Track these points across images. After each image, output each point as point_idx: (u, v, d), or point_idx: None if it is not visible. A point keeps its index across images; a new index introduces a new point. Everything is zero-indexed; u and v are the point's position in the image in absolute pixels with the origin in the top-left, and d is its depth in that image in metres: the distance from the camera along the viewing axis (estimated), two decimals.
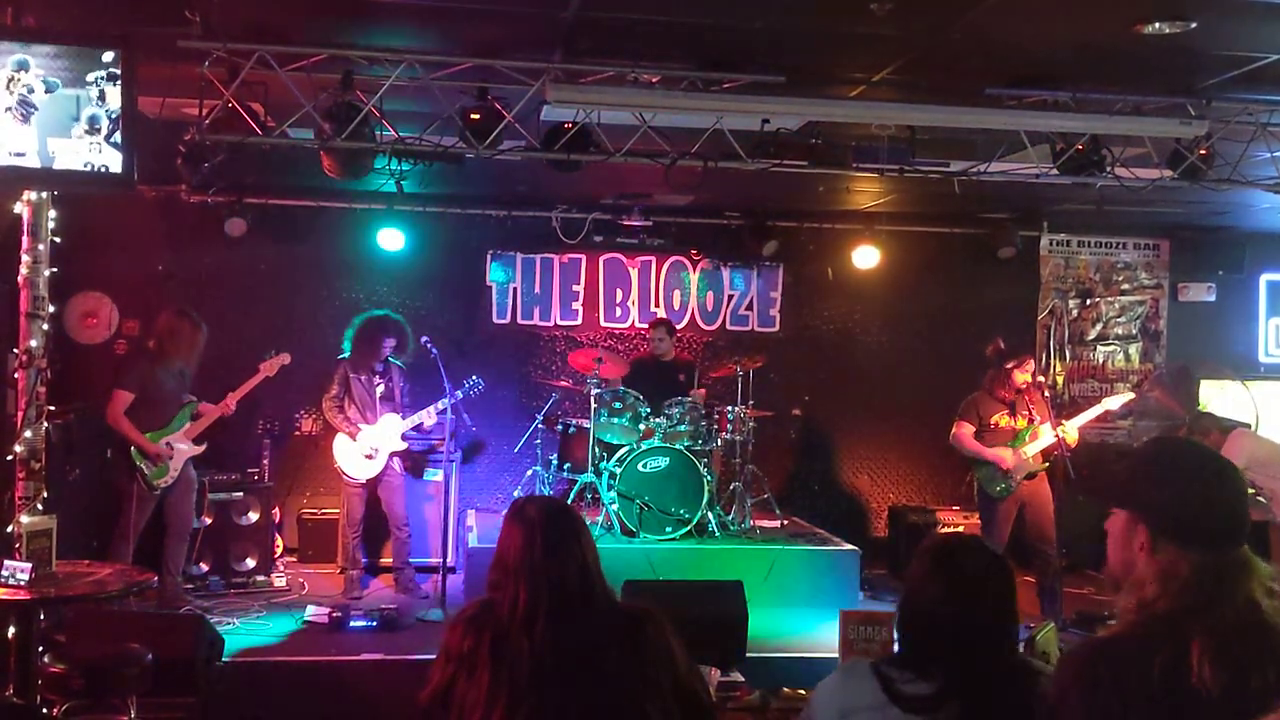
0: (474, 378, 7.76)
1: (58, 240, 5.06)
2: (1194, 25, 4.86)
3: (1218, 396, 8.98)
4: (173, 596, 6.88)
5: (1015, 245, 9.38)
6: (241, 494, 7.83)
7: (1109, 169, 6.53)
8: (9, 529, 4.78)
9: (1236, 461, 6.98)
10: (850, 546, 7.91)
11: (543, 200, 8.98)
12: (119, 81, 4.63)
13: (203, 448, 7.14)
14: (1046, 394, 7.67)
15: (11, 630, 4.44)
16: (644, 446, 7.70)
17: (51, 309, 5.06)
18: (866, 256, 9.36)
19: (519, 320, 9.36)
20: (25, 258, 4.94)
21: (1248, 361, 9.85)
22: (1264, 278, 10.09)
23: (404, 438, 7.62)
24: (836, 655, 3.94)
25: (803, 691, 4.05)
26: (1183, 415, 8.46)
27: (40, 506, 4.89)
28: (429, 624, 6.74)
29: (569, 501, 6.99)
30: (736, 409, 8.15)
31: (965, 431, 7.36)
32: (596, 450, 7.89)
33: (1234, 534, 2.00)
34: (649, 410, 7.88)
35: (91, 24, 4.90)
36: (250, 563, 7.73)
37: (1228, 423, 7.36)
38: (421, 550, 7.92)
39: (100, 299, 8.44)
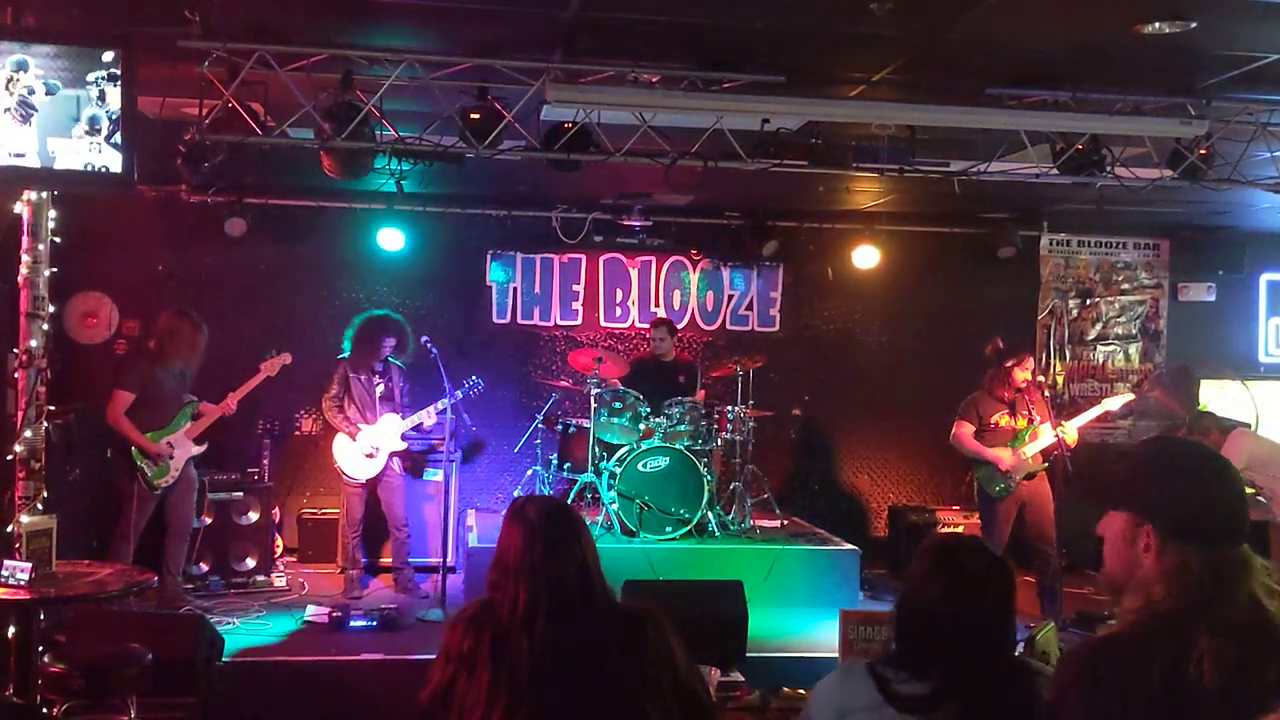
0: (474, 378, 7.77)
1: (58, 240, 5.07)
2: (1194, 25, 4.86)
3: (1218, 396, 8.98)
4: (173, 596, 6.88)
5: (1015, 245, 9.38)
6: (241, 494, 7.83)
7: (1109, 169, 6.53)
8: (9, 529, 4.78)
9: (1237, 461, 6.98)
10: (850, 546, 7.91)
11: (543, 200, 8.98)
12: (119, 81, 4.63)
13: (204, 447, 7.15)
14: (1046, 394, 7.67)
15: (11, 630, 4.44)
16: (644, 446, 7.70)
17: (51, 309, 5.06)
18: (866, 256, 9.36)
19: (519, 320, 9.36)
20: (25, 258, 4.94)
21: (1248, 361, 9.85)
22: (1264, 277, 10.09)
23: (404, 438, 7.62)
24: (837, 655, 3.94)
25: (803, 691, 4.05)
26: (1183, 415, 8.46)
27: (40, 506, 4.90)
28: (429, 624, 6.74)
29: (569, 501, 6.99)
30: (736, 409, 8.15)
31: (965, 431, 7.36)
32: (596, 450, 7.89)
33: (1239, 531, 2.01)
34: (649, 410, 7.88)
35: (91, 24, 4.90)
36: (250, 563, 7.73)
37: (1228, 423, 7.37)
38: (421, 550, 7.92)
39: (100, 299, 8.45)
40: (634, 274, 9.53)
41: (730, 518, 8.19)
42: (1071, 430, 7.20)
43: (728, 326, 9.66)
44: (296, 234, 8.79)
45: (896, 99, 6.04)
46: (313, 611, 6.88)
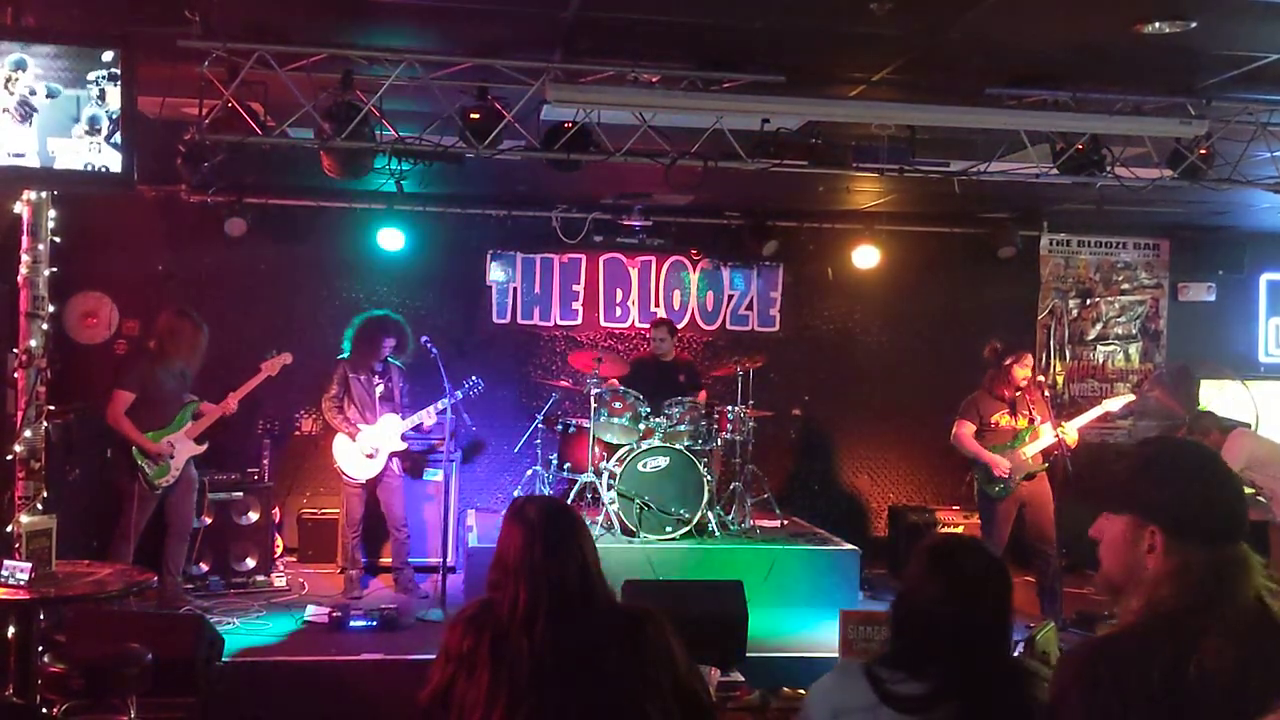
0: (473, 378, 7.77)
1: (58, 240, 5.07)
2: (1194, 25, 4.86)
3: (1218, 396, 8.98)
4: (173, 596, 6.88)
5: (1015, 245, 9.38)
6: (241, 494, 7.83)
7: (1109, 169, 6.53)
8: (9, 529, 4.78)
9: (1237, 461, 6.97)
10: (850, 546, 7.91)
11: (543, 200, 8.98)
12: (119, 81, 4.63)
13: (204, 447, 7.14)
14: (1046, 394, 7.67)
15: (11, 630, 4.43)
16: (644, 446, 7.70)
17: (51, 309, 5.07)
18: (866, 256, 9.36)
19: (519, 320, 9.36)
20: (25, 257, 4.94)
21: (1248, 361, 9.85)
22: (1264, 277, 10.09)
23: (404, 438, 7.62)
24: (836, 655, 3.94)
25: (802, 691, 4.04)
26: (1183, 415, 8.45)
27: (40, 506, 4.90)
28: (429, 624, 6.74)
29: (569, 501, 6.99)
30: (736, 409, 8.15)
31: (965, 431, 7.36)
32: (596, 450, 7.89)
33: (1240, 529, 2.01)
34: (649, 410, 7.88)
35: (91, 24, 4.91)
36: (250, 563, 7.73)
37: (1228, 423, 7.37)
38: (421, 550, 7.92)
39: (100, 299, 8.45)
40: (634, 274, 9.53)
41: (730, 518, 8.19)
42: (1072, 431, 7.20)
43: (728, 326, 9.66)
44: (296, 234, 8.79)
45: (896, 99, 6.04)
46: (313, 611, 6.88)
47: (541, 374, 9.24)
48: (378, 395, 7.60)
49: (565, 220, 9.16)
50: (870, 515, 9.74)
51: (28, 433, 4.93)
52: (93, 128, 4.63)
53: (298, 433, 8.89)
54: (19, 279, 4.96)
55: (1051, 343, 9.95)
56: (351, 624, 6.67)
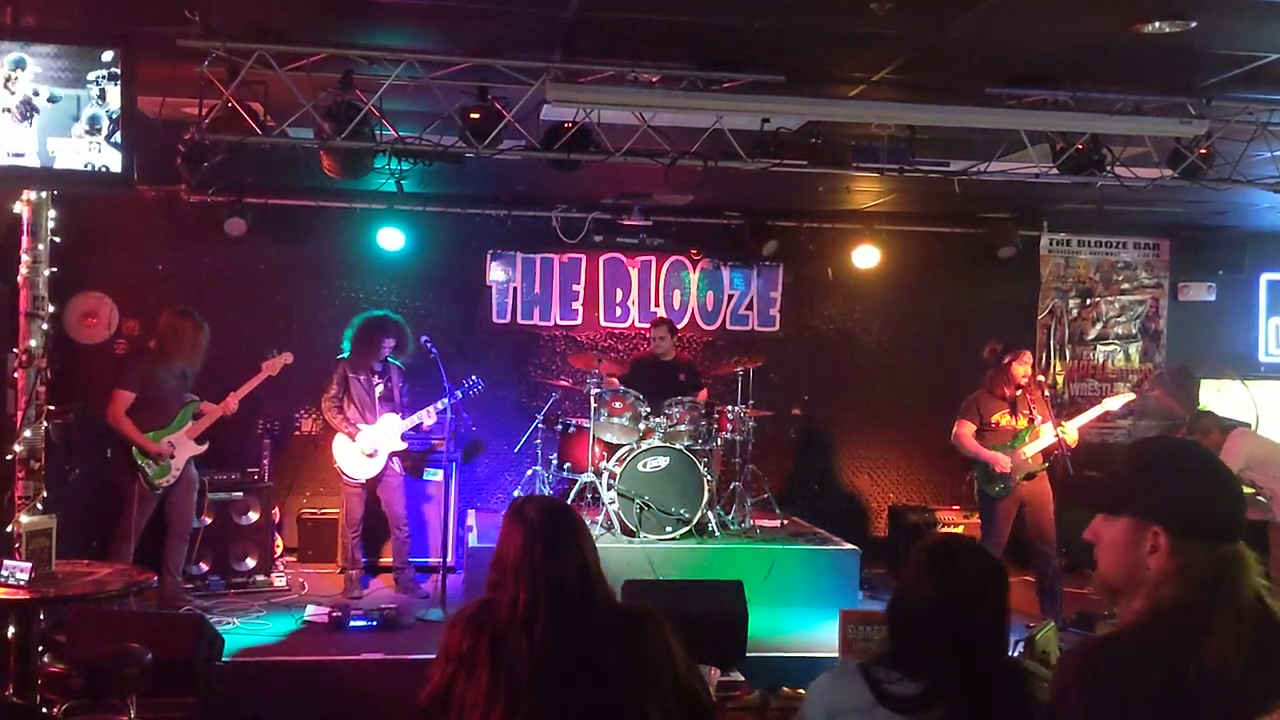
0: (473, 377, 7.76)
1: (58, 240, 5.07)
2: (1194, 24, 4.86)
3: (1218, 396, 8.98)
4: (173, 596, 6.88)
5: (1015, 245, 9.38)
6: (241, 494, 7.83)
7: (1109, 168, 6.53)
8: (9, 529, 4.78)
9: (1237, 461, 6.96)
10: (850, 546, 7.91)
11: (543, 200, 8.98)
12: (119, 81, 4.63)
13: (204, 447, 7.14)
14: (1046, 393, 7.67)
15: (11, 630, 4.43)
16: (644, 446, 7.70)
17: (51, 309, 5.07)
18: (866, 256, 9.36)
19: (519, 320, 9.36)
20: (25, 257, 4.94)
21: (1248, 361, 9.85)
22: (1264, 277, 10.09)
23: (403, 437, 7.61)
24: (837, 655, 3.94)
25: (802, 691, 4.04)
26: (1183, 415, 8.45)
27: (40, 506, 4.90)
28: (429, 624, 6.74)
29: (569, 501, 6.99)
30: (736, 409, 8.15)
31: (966, 431, 7.36)
32: (596, 450, 7.89)
33: (1241, 527, 2.02)
34: (649, 410, 7.88)
35: (91, 23, 4.91)
36: (250, 562, 7.73)
37: (1228, 422, 7.37)
38: (421, 550, 7.93)
39: (100, 299, 8.45)
40: (634, 274, 9.53)
41: (730, 517, 8.19)
42: (1072, 430, 7.20)
43: (728, 326, 9.66)
44: (296, 234, 8.79)
45: (896, 99, 6.04)
46: (313, 611, 6.88)
47: (541, 374, 9.24)
48: (377, 395, 7.60)
49: (565, 220, 9.16)
50: (870, 515, 9.74)
51: (28, 433, 4.93)
52: (93, 127, 4.63)
53: (298, 433, 8.90)
54: (19, 279, 4.96)
55: (1051, 342, 9.95)
56: (351, 624, 6.67)
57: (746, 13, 4.94)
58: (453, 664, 2.54)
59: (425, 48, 5.58)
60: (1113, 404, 7.72)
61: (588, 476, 7.84)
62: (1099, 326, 10.04)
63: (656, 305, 9.50)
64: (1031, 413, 7.29)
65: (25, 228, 4.95)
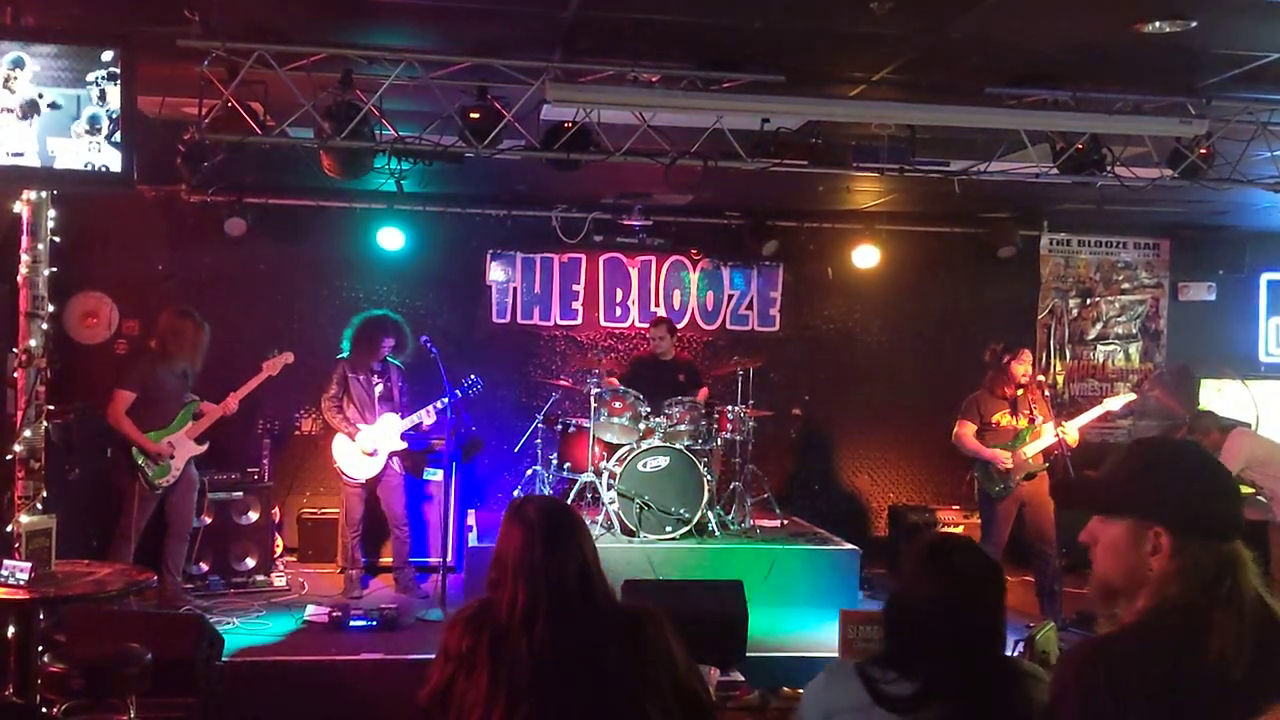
0: (473, 377, 7.76)
1: (57, 240, 5.07)
2: (1194, 24, 4.86)
3: (1218, 396, 8.98)
4: (173, 596, 6.88)
5: (1015, 245, 9.38)
6: (241, 494, 7.83)
7: (1109, 168, 6.53)
8: (9, 529, 4.78)
9: (1236, 461, 6.94)
10: (850, 546, 7.91)
11: (543, 200, 8.98)
12: (119, 81, 4.63)
13: (204, 447, 7.14)
14: (1047, 393, 7.67)
15: (11, 630, 4.44)
16: (644, 446, 7.70)
17: (51, 309, 5.07)
18: (866, 256, 9.37)
19: (519, 320, 9.36)
20: (25, 257, 4.94)
21: (1248, 361, 9.85)
22: (1264, 277, 10.08)
23: (403, 437, 7.61)
24: (836, 655, 3.93)
25: (802, 691, 4.04)
26: (1183, 415, 8.46)
27: (40, 506, 4.90)
28: (429, 623, 6.74)
29: (569, 501, 6.99)
30: (736, 408, 8.15)
31: (967, 431, 7.36)
32: (596, 450, 7.88)
33: (1240, 526, 2.02)
34: (649, 409, 7.88)
35: (91, 23, 4.91)
36: (250, 562, 7.73)
37: (1228, 422, 7.37)
38: (421, 550, 7.93)
39: (100, 299, 8.45)
40: (634, 273, 9.53)
41: (730, 517, 8.19)
42: (1073, 430, 7.19)
43: (728, 326, 9.66)
44: (296, 234, 8.79)
45: (897, 98, 6.04)
46: (313, 611, 6.88)
47: (541, 373, 9.24)
48: (377, 395, 7.60)
49: (565, 220, 9.16)
50: (870, 515, 9.74)
51: (27, 432, 4.92)
52: (93, 127, 4.63)
53: (298, 433, 8.90)
54: (19, 279, 4.96)
55: (1051, 342, 9.95)
56: (351, 624, 6.67)
57: (746, 13, 4.94)
58: (452, 664, 2.54)
59: (425, 47, 5.58)
60: (1114, 404, 7.72)
61: (588, 476, 7.84)
62: (1099, 326, 10.04)
63: (656, 305, 9.50)
64: (1032, 412, 7.29)
65: (25, 227, 4.95)
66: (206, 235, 8.48)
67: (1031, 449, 7.20)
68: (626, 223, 9.24)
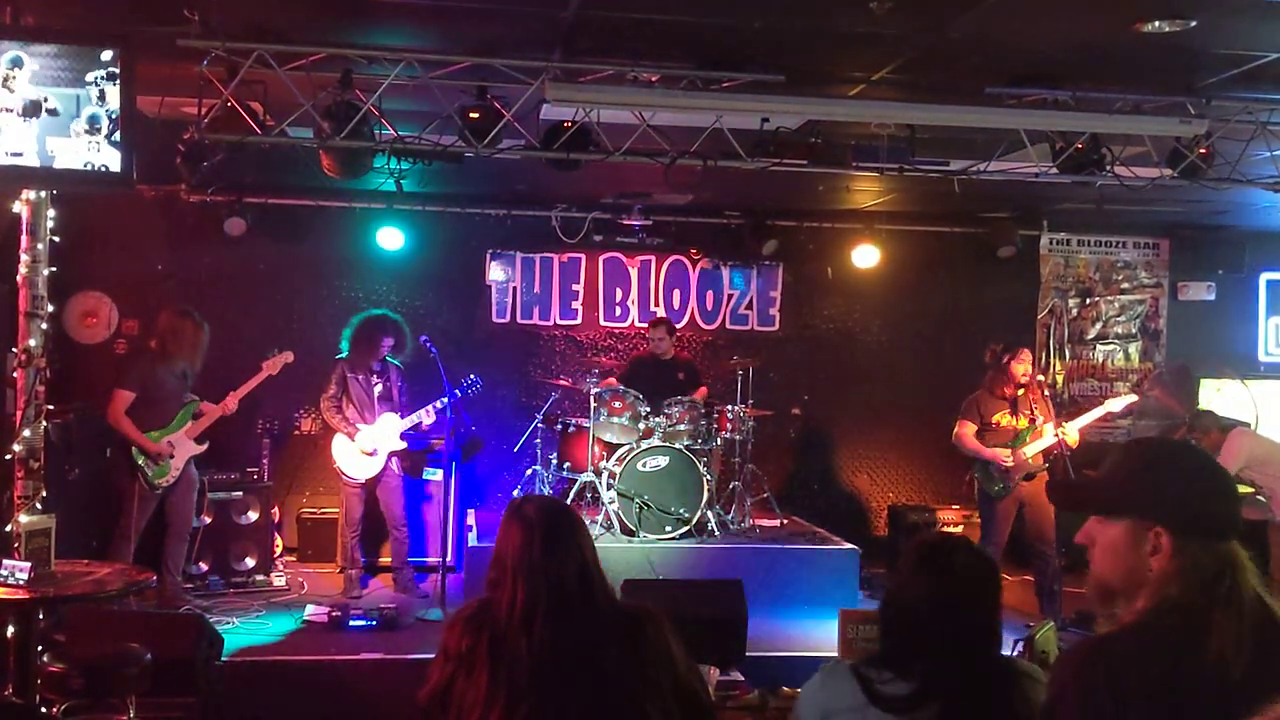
0: (472, 377, 7.75)
1: (57, 240, 5.07)
2: (1194, 24, 4.85)
3: (1218, 396, 8.98)
4: (172, 596, 6.88)
5: (1015, 244, 9.38)
6: (241, 493, 7.83)
7: (1109, 168, 6.52)
8: (8, 529, 4.78)
9: (1236, 460, 6.93)
10: (850, 545, 7.91)
11: (542, 199, 8.98)
12: (118, 80, 4.62)
13: (204, 447, 7.14)
14: (1047, 393, 7.67)
15: (11, 630, 4.43)
16: (643, 446, 7.70)
17: (51, 309, 5.06)
18: (866, 256, 9.36)
19: (518, 319, 9.36)
20: (24, 257, 4.94)
21: (1248, 361, 9.85)
22: (1264, 277, 10.09)
23: (403, 437, 7.61)
24: (836, 655, 3.93)
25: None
26: (1183, 414, 8.45)
27: (39, 506, 4.89)
28: (428, 623, 6.74)
29: (568, 501, 6.99)
30: (736, 408, 8.15)
31: (967, 431, 7.36)
32: (596, 449, 7.88)
33: (1238, 525, 2.01)
34: (648, 409, 7.88)
35: (90, 23, 4.91)
36: (250, 562, 7.73)
37: (1228, 422, 7.37)
38: (421, 550, 7.93)
39: (100, 299, 8.45)
40: (634, 273, 9.53)
41: (730, 517, 8.19)
42: (1073, 431, 7.19)
43: (727, 326, 9.66)
44: (296, 233, 8.79)
45: (896, 98, 6.04)
46: (312, 611, 6.88)
47: (541, 373, 9.24)
48: (376, 395, 7.59)
49: (565, 220, 9.16)
50: (870, 515, 9.74)
51: (27, 432, 4.92)
52: (92, 127, 4.63)
53: (298, 432, 8.90)
54: (18, 279, 4.95)
55: (1051, 342, 9.95)
56: (351, 624, 6.67)
57: (746, 13, 4.94)
58: (452, 664, 2.54)
59: (425, 47, 5.58)
60: (1115, 405, 7.71)
61: (587, 476, 7.84)
62: (1099, 326, 10.04)
63: (656, 305, 9.50)
64: (1033, 412, 7.28)
65: (24, 227, 4.94)
66: (206, 235, 8.48)
67: (1032, 449, 7.20)
68: (626, 222, 9.24)
